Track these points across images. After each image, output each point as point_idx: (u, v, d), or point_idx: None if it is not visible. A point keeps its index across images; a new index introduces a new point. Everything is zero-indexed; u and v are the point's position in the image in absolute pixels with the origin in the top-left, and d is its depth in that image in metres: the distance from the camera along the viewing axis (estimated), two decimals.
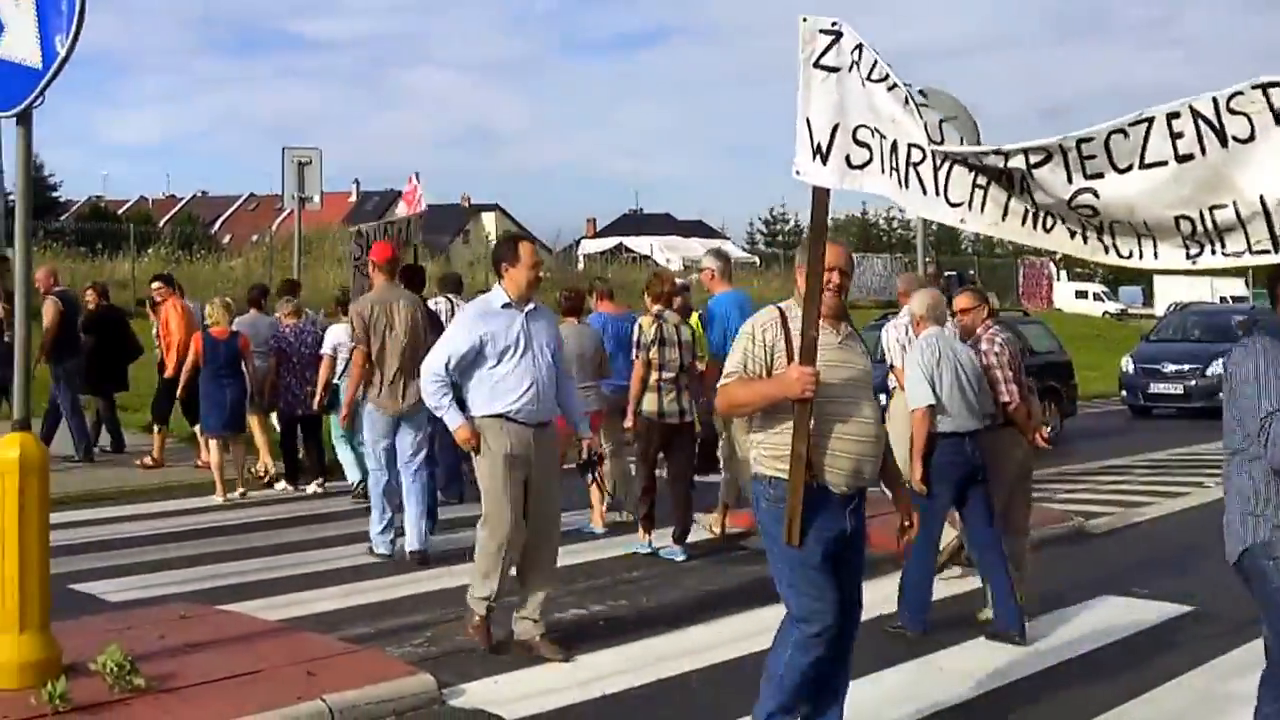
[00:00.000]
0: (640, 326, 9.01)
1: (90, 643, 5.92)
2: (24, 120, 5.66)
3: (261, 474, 12.07)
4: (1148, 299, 60.26)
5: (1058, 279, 60.38)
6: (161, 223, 55.38)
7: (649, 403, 8.86)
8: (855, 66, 4.55)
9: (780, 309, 4.85)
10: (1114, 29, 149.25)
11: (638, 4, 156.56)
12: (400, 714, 5.60)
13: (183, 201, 79.03)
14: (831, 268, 4.72)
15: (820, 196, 4.66)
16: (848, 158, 4.57)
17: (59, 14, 5.43)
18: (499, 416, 6.37)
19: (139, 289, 22.07)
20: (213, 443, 11.47)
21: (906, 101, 4.49)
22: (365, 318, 8.75)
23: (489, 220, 74.46)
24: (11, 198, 10.10)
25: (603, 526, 9.80)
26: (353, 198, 74.03)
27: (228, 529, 9.96)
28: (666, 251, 60.45)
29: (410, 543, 8.69)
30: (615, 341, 9.72)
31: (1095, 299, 57.74)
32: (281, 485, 11.98)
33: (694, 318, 9.63)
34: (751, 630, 6.93)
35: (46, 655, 5.61)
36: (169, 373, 12.68)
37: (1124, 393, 21.49)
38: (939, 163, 4.39)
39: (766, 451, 4.74)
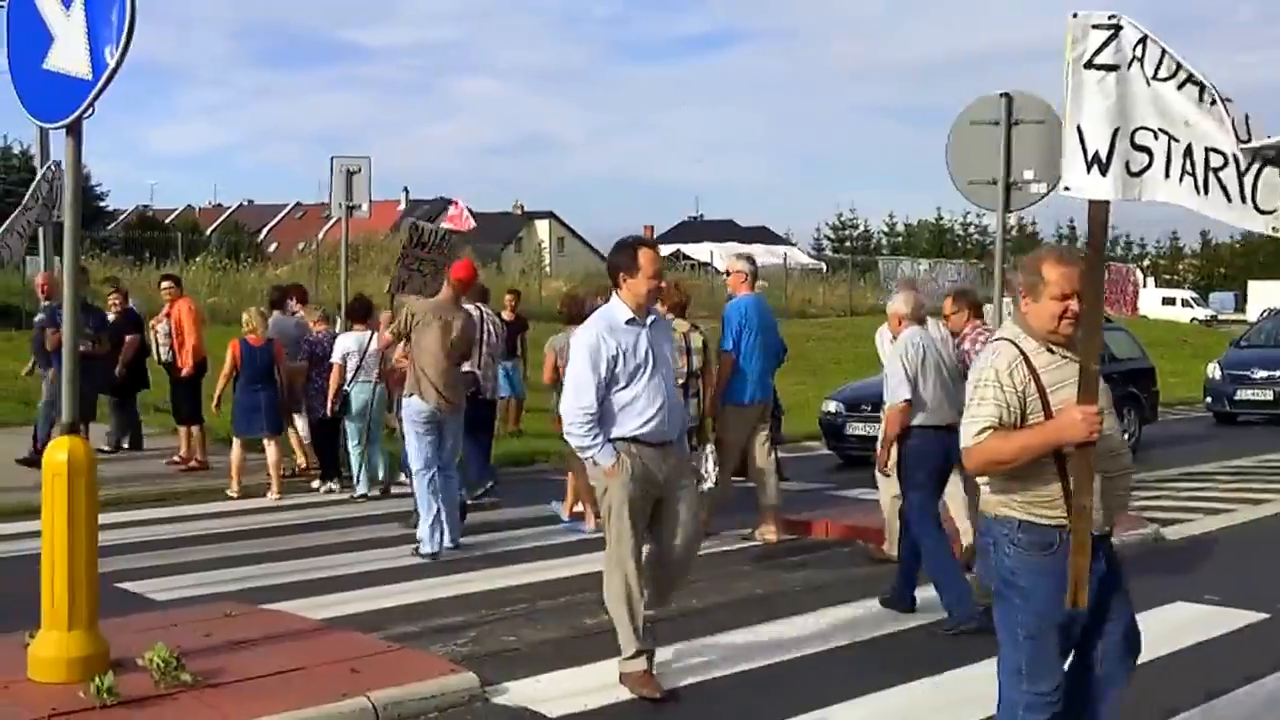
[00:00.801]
0: None
1: (137, 640, 6.25)
2: (74, 131, 5.96)
3: (302, 467, 12.80)
4: (1239, 305, 59.50)
5: (1144, 285, 59.87)
6: (208, 231, 56.45)
7: None
8: (1138, 63, 4.17)
9: (1014, 342, 4.34)
10: (1223, 26, 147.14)
11: (697, 8, 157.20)
12: (443, 711, 5.85)
13: (229, 210, 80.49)
14: (1070, 294, 4.28)
15: (1097, 212, 4.24)
16: (1127, 164, 4.19)
17: (108, 25, 5.68)
18: (628, 440, 6.13)
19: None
20: (235, 441, 12.19)
21: (1203, 98, 4.11)
22: (414, 318, 9.38)
23: (542, 228, 75.10)
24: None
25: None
26: (401, 206, 74.91)
27: (272, 530, 10.31)
28: (727, 258, 60.55)
29: (445, 540, 9.28)
30: None
31: (1183, 305, 57.13)
32: (331, 485, 12.51)
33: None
34: (802, 634, 7.15)
35: (95, 651, 5.93)
36: (187, 371, 13.40)
37: (1208, 399, 21.47)
38: (1245, 166, 4.09)
39: (1022, 496, 4.28)
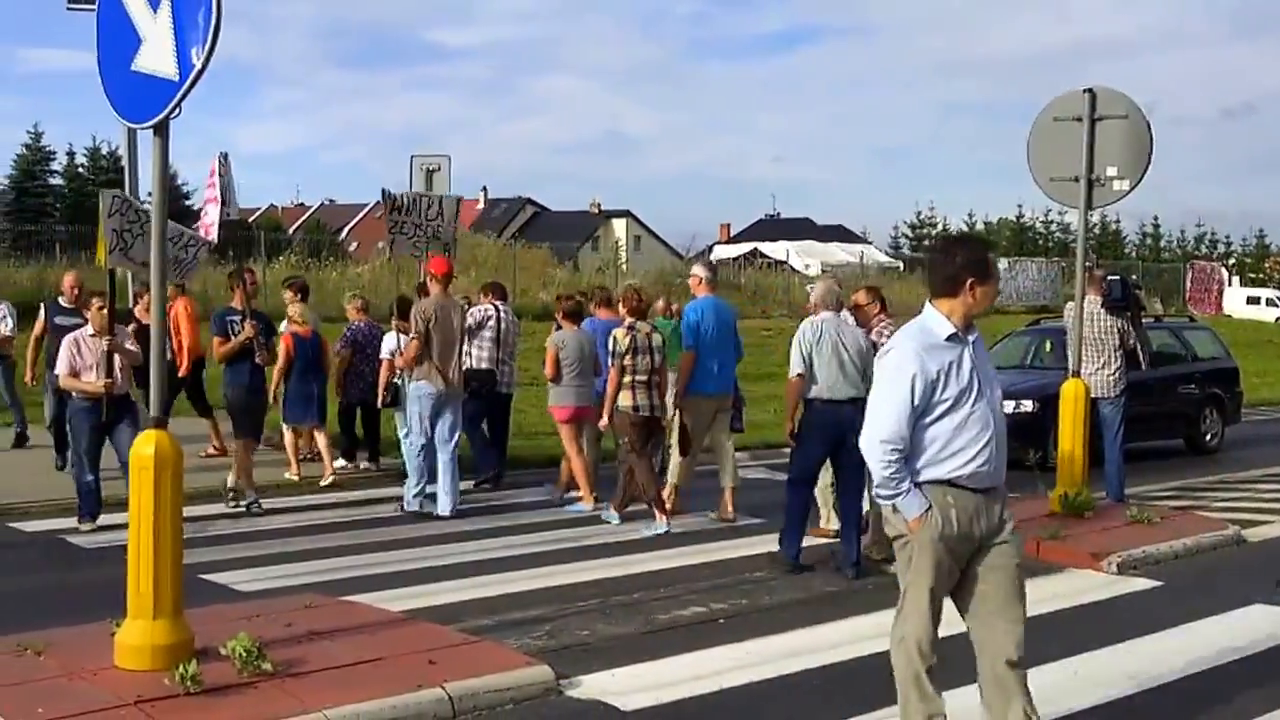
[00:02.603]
0: (615, 338, 10.53)
1: (220, 629, 6.37)
2: (161, 131, 6.07)
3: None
4: None
5: (1229, 284, 58.72)
6: (291, 230, 57.28)
7: (625, 399, 10.42)
8: None
9: None
10: None
11: (777, 6, 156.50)
12: (518, 703, 5.90)
13: (311, 210, 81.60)
14: None
15: None
16: None
17: (195, 27, 5.77)
18: (942, 483, 4.98)
19: (270, 295, 23.03)
20: (286, 428, 12.80)
21: None
22: (430, 318, 10.82)
23: (619, 226, 75.31)
24: (148, 205, 10.69)
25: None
26: (480, 205, 75.56)
27: (350, 524, 10.44)
28: (804, 256, 60.35)
29: (443, 508, 10.72)
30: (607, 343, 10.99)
31: (1268, 304, 55.90)
32: (340, 463, 13.14)
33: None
34: (869, 632, 7.10)
35: (179, 639, 6.05)
36: (184, 372, 13.46)
37: None
38: None
39: None
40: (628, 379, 10.38)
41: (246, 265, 12.75)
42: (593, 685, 6.15)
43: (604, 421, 10.72)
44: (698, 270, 11.66)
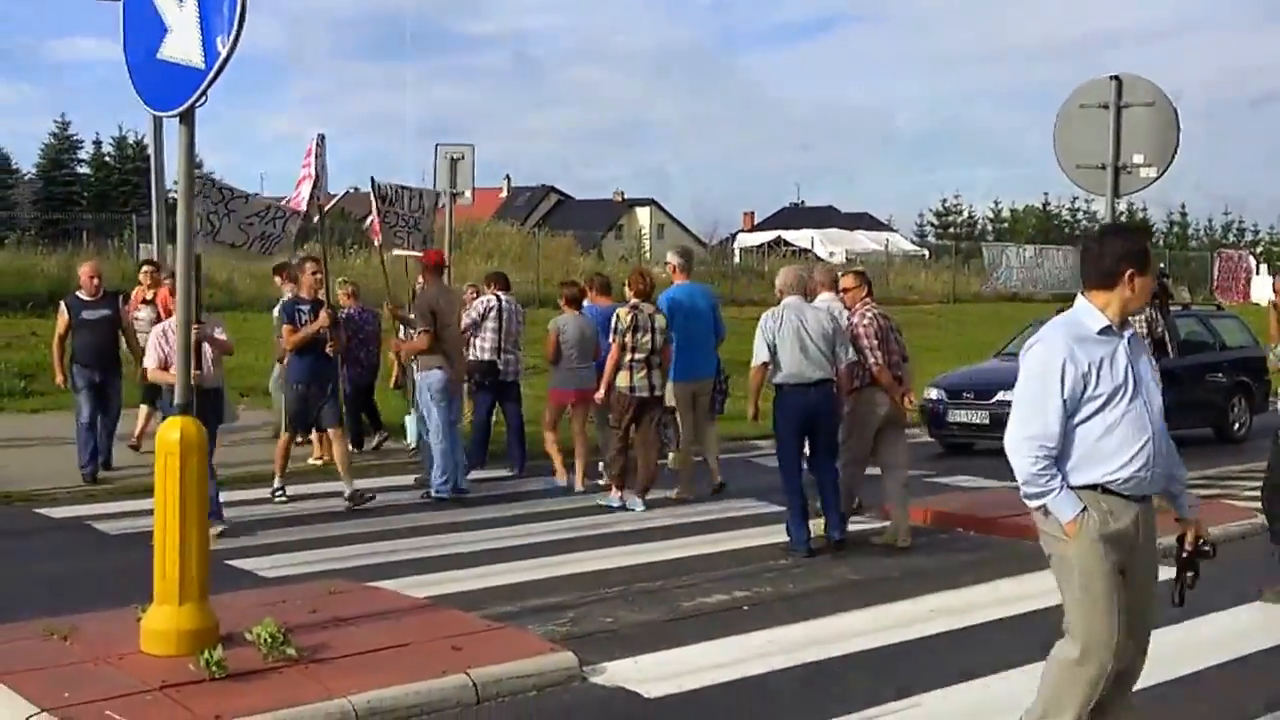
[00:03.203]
0: (618, 316, 10.77)
1: (245, 615, 6.40)
2: (187, 119, 6.09)
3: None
4: None
5: (1257, 273, 58.26)
6: (315, 218, 57.33)
7: (623, 379, 10.68)
8: None
9: None
10: None
11: None
12: (541, 690, 5.91)
13: (336, 198, 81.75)
14: None
15: None
16: None
17: (220, 15, 5.80)
18: (1093, 488, 4.63)
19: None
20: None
21: None
22: (435, 308, 11.03)
23: (643, 215, 75.20)
24: (173, 195, 10.62)
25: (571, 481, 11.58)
26: (504, 193, 75.54)
27: (373, 511, 10.46)
28: (828, 244, 60.13)
29: (449, 488, 11.05)
30: (605, 329, 11.20)
31: None
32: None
33: None
34: (895, 621, 7.11)
35: (204, 625, 6.08)
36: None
37: None
38: None
39: None
40: (627, 358, 10.60)
41: (311, 255, 12.66)
42: (616, 672, 6.15)
43: (600, 395, 10.92)
44: (671, 258, 12.08)
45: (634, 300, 10.81)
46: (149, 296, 13.35)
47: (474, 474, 11.92)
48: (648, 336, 10.63)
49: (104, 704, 5.34)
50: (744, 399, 10.19)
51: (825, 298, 10.06)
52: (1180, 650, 6.55)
